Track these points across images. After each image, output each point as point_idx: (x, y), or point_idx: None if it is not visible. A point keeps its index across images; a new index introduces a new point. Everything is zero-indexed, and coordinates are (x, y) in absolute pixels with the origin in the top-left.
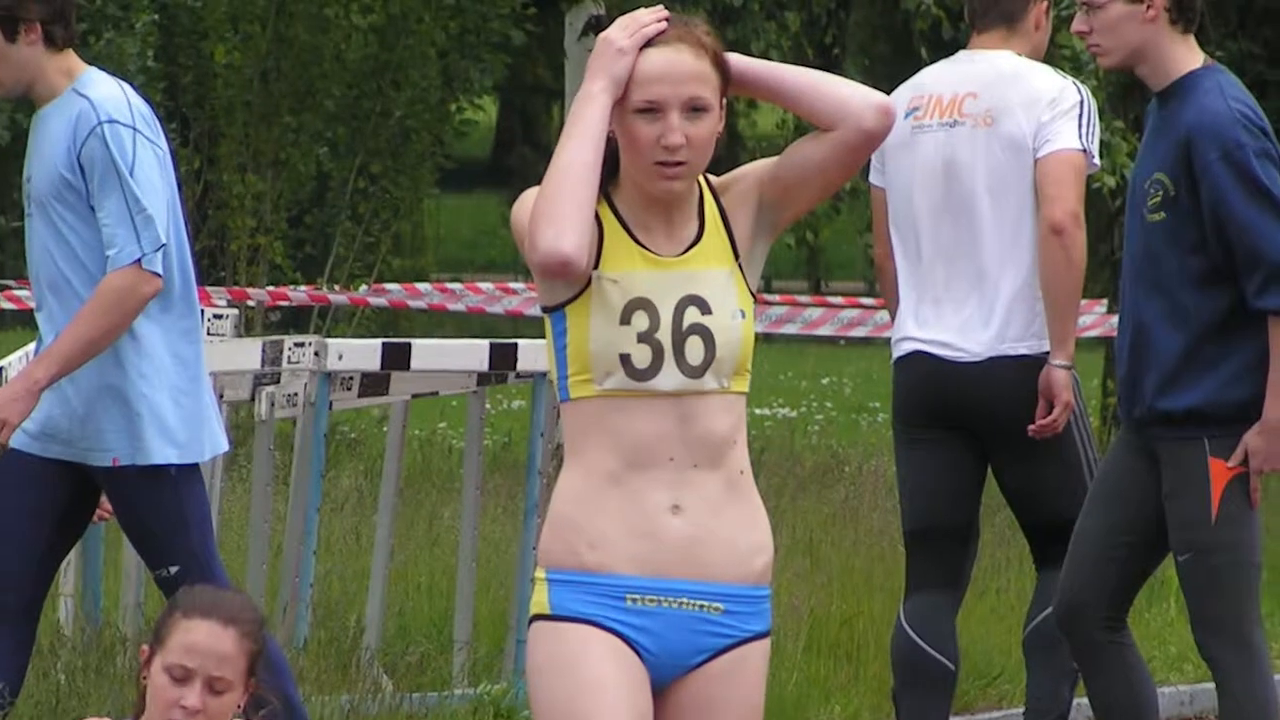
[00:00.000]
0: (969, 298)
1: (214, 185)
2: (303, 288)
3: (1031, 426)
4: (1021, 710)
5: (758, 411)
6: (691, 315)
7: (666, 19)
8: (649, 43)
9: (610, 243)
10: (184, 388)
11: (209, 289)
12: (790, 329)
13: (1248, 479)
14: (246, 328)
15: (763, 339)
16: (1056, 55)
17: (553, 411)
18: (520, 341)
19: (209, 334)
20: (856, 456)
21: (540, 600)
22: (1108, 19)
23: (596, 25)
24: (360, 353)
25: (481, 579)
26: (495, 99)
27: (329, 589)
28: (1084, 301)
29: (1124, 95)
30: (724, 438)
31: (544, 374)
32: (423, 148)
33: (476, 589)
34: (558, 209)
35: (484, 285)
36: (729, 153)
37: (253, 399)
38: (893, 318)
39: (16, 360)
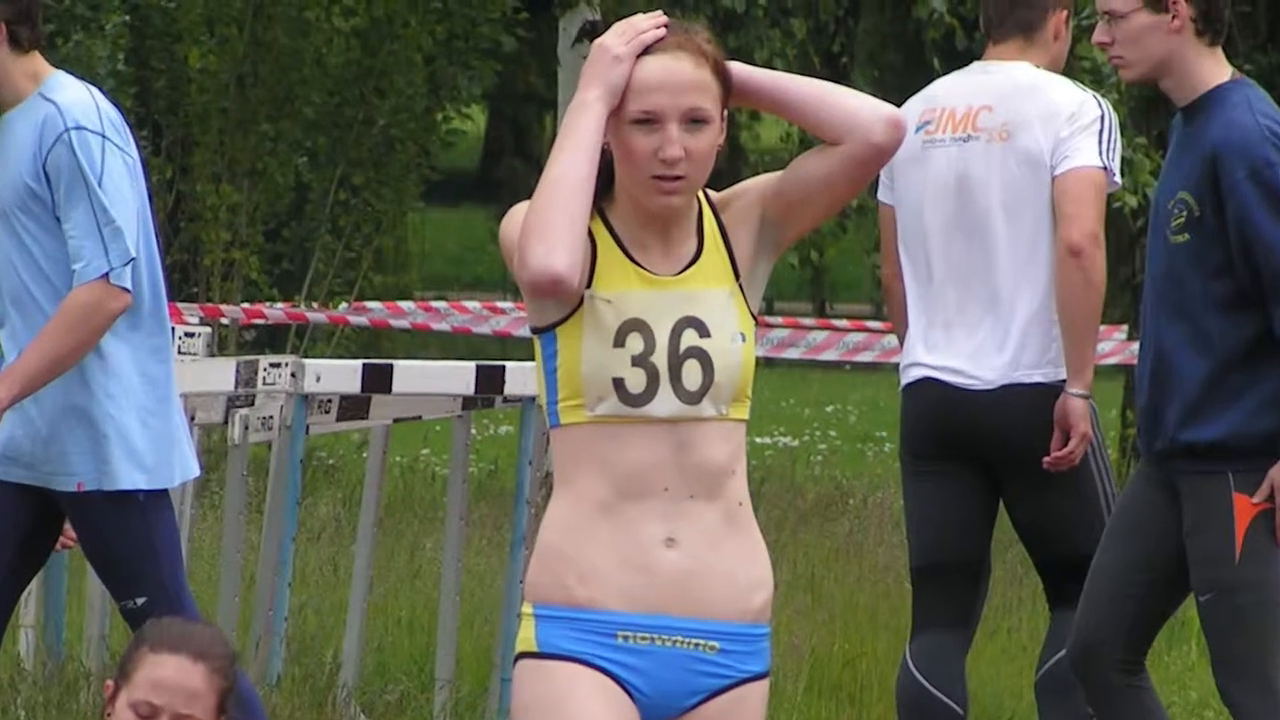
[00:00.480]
0: (982, 321)
1: (187, 196)
2: (279, 305)
3: (1046, 458)
4: None
5: (758, 440)
6: (689, 338)
7: (665, 25)
8: (647, 50)
9: (604, 260)
10: (153, 409)
11: (180, 305)
12: (793, 353)
13: (1273, 515)
14: (220, 347)
15: (764, 363)
16: (1076, 67)
17: (542, 438)
18: (508, 364)
19: (180, 353)
20: (861, 488)
21: (527, 637)
22: (1131, 30)
23: (591, 31)
24: (339, 374)
25: (465, 614)
26: (484, 108)
27: (304, 623)
28: (1103, 327)
29: (1147, 110)
30: (722, 467)
31: (533, 398)
32: (407, 158)
33: (460, 624)
34: (549, 224)
35: (470, 304)
36: (730, 167)
37: (226, 422)
38: (901, 342)
39: None
